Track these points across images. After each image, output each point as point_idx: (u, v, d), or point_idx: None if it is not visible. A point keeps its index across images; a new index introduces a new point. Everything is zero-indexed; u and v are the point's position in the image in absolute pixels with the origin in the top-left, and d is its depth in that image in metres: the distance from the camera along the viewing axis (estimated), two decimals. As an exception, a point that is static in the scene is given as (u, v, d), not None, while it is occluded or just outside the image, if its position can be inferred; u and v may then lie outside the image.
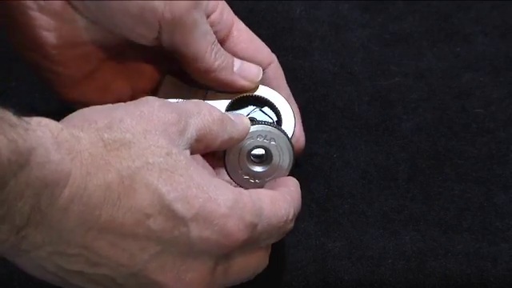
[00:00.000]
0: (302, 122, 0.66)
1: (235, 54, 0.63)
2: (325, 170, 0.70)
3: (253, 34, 0.65)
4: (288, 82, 0.66)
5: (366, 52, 0.76)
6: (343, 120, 0.72)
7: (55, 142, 0.47)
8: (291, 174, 0.61)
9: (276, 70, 0.65)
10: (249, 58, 0.64)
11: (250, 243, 0.54)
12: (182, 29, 0.59)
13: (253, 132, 0.59)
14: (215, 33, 0.62)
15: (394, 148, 0.71)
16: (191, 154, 0.54)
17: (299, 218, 0.67)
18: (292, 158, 0.61)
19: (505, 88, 0.74)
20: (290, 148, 0.61)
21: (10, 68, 0.75)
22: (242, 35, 0.64)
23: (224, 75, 0.62)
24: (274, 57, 0.65)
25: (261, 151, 0.61)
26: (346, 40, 0.77)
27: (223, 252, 0.53)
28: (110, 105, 0.53)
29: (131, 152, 0.49)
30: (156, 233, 0.50)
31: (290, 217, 0.56)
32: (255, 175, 0.61)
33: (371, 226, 0.67)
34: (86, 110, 0.52)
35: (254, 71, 0.63)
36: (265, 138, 0.60)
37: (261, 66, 0.64)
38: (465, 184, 0.69)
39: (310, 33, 0.77)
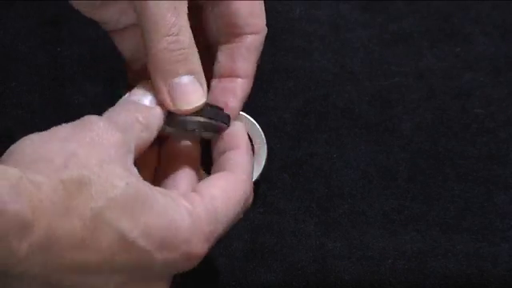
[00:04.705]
0: (302, 122, 0.66)
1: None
2: (325, 170, 0.69)
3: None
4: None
5: (366, 52, 0.76)
6: (343, 120, 0.72)
7: (14, 192, 0.46)
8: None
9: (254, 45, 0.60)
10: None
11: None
12: None
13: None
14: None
15: (394, 148, 0.71)
16: None
17: (299, 218, 0.67)
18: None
19: (505, 88, 0.74)
20: None
21: (10, 68, 0.75)
22: None
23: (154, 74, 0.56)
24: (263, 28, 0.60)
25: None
26: (345, 40, 0.77)
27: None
28: (56, 130, 0.52)
29: (92, 191, 0.49)
30: (120, 266, 0.50)
31: (248, 194, 0.55)
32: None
33: (371, 226, 0.67)
34: (36, 143, 0.51)
35: (189, 98, 0.55)
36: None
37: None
38: (465, 184, 0.69)
39: (309, 33, 0.77)
